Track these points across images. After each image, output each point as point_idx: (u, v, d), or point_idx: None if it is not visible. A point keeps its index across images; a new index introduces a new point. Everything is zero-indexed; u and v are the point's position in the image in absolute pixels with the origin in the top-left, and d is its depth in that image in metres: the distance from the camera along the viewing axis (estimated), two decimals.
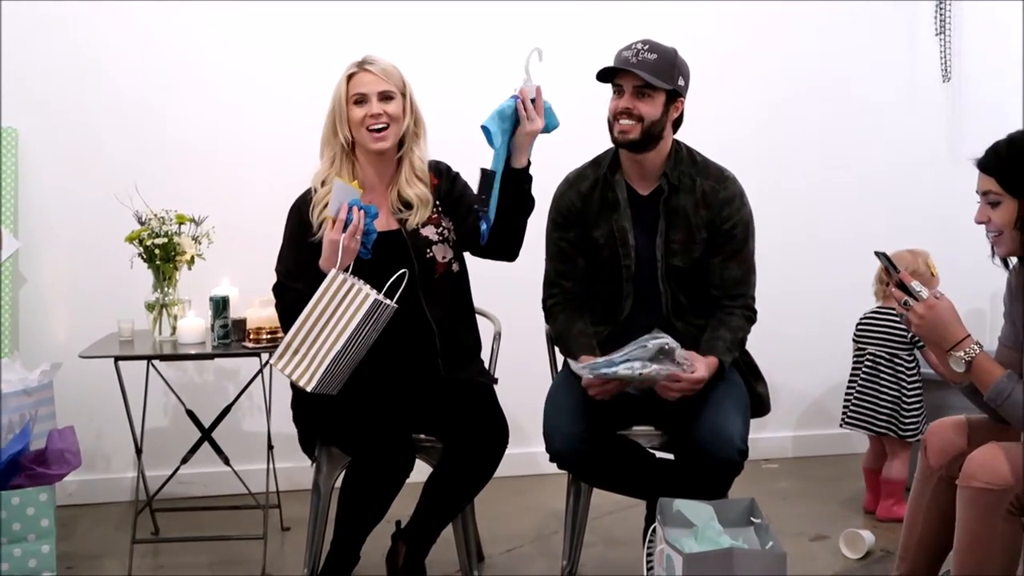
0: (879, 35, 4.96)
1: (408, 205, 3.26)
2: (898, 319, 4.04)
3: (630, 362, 3.04)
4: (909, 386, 4.14)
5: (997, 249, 2.73)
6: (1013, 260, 2.79)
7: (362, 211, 3.03)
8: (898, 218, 5.00)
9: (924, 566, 2.93)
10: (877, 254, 2.87)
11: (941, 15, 4.91)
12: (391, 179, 3.29)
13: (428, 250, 3.24)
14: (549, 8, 4.67)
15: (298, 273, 3.19)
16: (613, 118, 3.25)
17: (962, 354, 2.65)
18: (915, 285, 2.72)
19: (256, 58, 4.49)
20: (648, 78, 3.16)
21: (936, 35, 4.93)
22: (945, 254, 4.79)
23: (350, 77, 3.23)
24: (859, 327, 4.28)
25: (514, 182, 3.11)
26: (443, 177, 3.36)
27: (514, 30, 4.63)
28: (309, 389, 2.97)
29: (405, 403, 3.17)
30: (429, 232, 3.25)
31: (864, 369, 4.21)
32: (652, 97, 3.20)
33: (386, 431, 3.06)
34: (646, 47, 3.19)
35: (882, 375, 4.16)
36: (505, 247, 3.24)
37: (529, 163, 3.15)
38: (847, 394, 4.29)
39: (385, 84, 3.22)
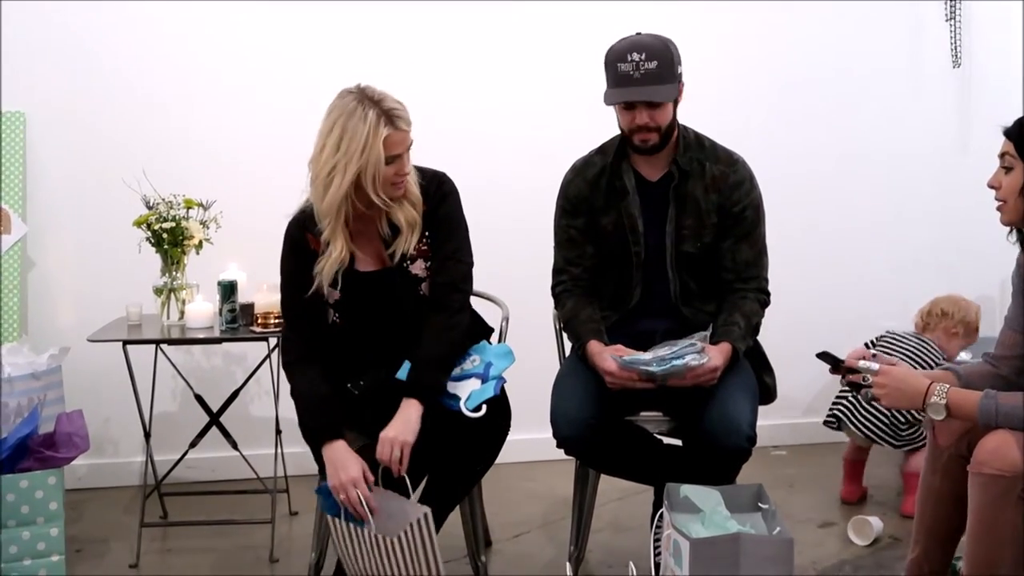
0: (889, 20, 4.93)
1: (396, 230, 3.08)
2: (930, 350, 4.07)
3: (667, 364, 3.06)
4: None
5: (1000, 217, 2.77)
6: None
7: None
8: (907, 204, 4.99)
9: (938, 549, 2.92)
10: (819, 356, 2.93)
11: (951, 1, 4.88)
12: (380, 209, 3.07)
13: (419, 288, 3.14)
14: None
15: (302, 330, 3.11)
16: (629, 132, 3.23)
17: (936, 399, 2.68)
18: (862, 363, 2.78)
19: (264, 43, 4.48)
20: (662, 98, 3.15)
21: (946, 21, 4.90)
22: (954, 241, 4.79)
23: (385, 139, 2.90)
24: (880, 344, 4.20)
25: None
26: (431, 198, 3.13)
27: (517, 22, 4.64)
28: None
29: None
30: (418, 269, 3.13)
31: None
32: (665, 104, 3.19)
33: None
34: (643, 56, 3.13)
35: None
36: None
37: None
38: (844, 399, 4.18)
39: (409, 136, 2.98)
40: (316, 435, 3.02)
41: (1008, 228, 2.82)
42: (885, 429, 4.02)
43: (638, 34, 3.22)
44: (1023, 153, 2.68)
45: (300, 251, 3.08)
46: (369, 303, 3.10)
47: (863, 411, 4.06)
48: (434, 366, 3.05)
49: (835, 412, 4.18)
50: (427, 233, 3.12)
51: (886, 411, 4.01)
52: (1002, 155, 2.74)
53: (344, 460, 2.94)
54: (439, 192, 3.14)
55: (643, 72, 3.12)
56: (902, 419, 4.00)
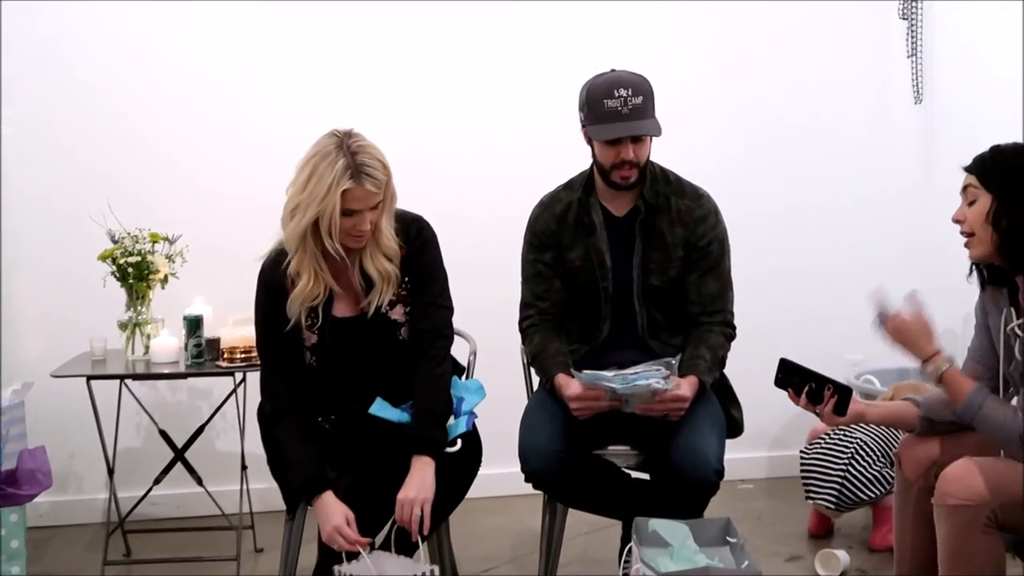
0: (851, 57, 4.98)
1: (372, 282, 3.04)
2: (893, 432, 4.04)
3: (630, 384, 3.06)
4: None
5: (970, 252, 2.79)
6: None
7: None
8: (872, 239, 5.02)
9: None
10: (780, 377, 2.99)
11: (912, 37, 4.94)
12: (356, 255, 3.04)
13: (398, 333, 3.11)
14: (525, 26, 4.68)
15: (283, 376, 3.07)
16: (611, 167, 3.24)
17: (930, 369, 2.74)
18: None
19: (231, 76, 4.48)
20: (652, 132, 3.20)
21: (908, 57, 4.95)
22: (918, 275, 4.79)
23: (344, 192, 2.85)
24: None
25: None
26: (411, 244, 3.10)
27: (483, 58, 4.68)
28: None
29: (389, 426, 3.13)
30: (397, 314, 3.10)
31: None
32: (646, 139, 3.24)
33: (384, 450, 3.03)
34: (629, 91, 3.16)
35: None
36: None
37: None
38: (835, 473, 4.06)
39: (377, 196, 2.92)
40: (304, 490, 2.98)
41: (969, 269, 2.85)
42: (850, 499, 4.02)
43: (613, 71, 3.25)
44: (987, 183, 2.72)
45: (275, 293, 3.04)
46: (346, 348, 3.07)
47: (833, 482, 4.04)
48: (437, 419, 3.04)
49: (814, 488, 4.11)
50: (406, 279, 3.10)
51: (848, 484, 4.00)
52: (965, 188, 2.77)
53: (333, 511, 2.92)
54: (420, 238, 3.12)
55: (631, 107, 3.15)
56: (866, 495, 3.99)
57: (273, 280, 3.04)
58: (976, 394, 2.69)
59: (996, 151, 2.76)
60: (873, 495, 3.97)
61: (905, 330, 2.78)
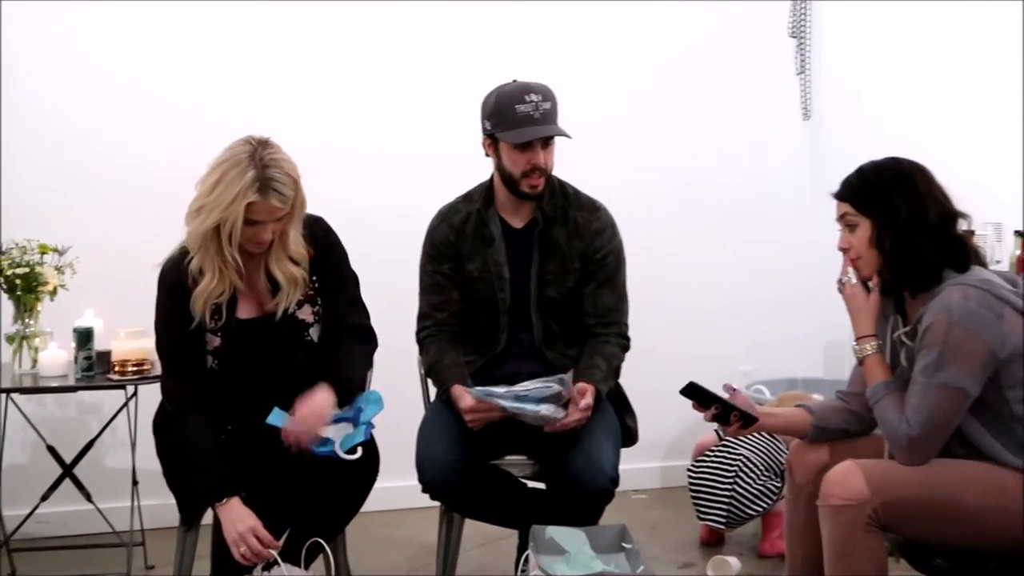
0: (741, 73, 5.07)
1: (278, 285, 3.02)
2: (779, 448, 4.12)
3: (522, 403, 3.08)
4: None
5: (860, 271, 2.85)
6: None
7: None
8: (763, 252, 5.11)
9: None
10: (685, 390, 2.97)
11: (802, 54, 5.05)
12: (260, 258, 3.03)
13: (306, 333, 3.10)
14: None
15: (186, 377, 3.03)
16: (522, 175, 3.26)
17: (858, 348, 2.86)
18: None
19: (125, 83, 4.39)
20: (565, 133, 3.24)
21: (797, 74, 5.07)
22: (806, 286, 4.92)
23: (249, 204, 2.83)
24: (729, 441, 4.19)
25: None
26: (318, 244, 3.10)
27: (388, 67, 4.66)
28: None
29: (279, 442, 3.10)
30: (305, 314, 3.09)
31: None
32: (553, 144, 3.27)
33: (280, 462, 3.00)
34: (540, 97, 3.21)
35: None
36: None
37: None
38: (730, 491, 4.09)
39: (283, 210, 2.90)
40: (212, 492, 2.94)
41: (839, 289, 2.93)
42: (737, 513, 4.07)
43: (515, 81, 3.28)
44: (861, 209, 2.79)
45: (177, 291, 3.00)
46: (250, 350, 3.05)
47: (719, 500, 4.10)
48: (354, 384, 3.08)
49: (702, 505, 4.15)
50: (314, 278, 3.09)
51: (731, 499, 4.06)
52: (841, 216, 2.84)
53: (242, 514, 2.89)
54: (327, 240, 3.13)
55: (542, 112, 3.20)
56: (754, 510, 4.06)
57: (175, 279, 3.01)
58: (881, 387, 2.78)
59: (861, 173, 2.83)
60: (761, 508, 4.04)
61: (855, 303, 2.87)
